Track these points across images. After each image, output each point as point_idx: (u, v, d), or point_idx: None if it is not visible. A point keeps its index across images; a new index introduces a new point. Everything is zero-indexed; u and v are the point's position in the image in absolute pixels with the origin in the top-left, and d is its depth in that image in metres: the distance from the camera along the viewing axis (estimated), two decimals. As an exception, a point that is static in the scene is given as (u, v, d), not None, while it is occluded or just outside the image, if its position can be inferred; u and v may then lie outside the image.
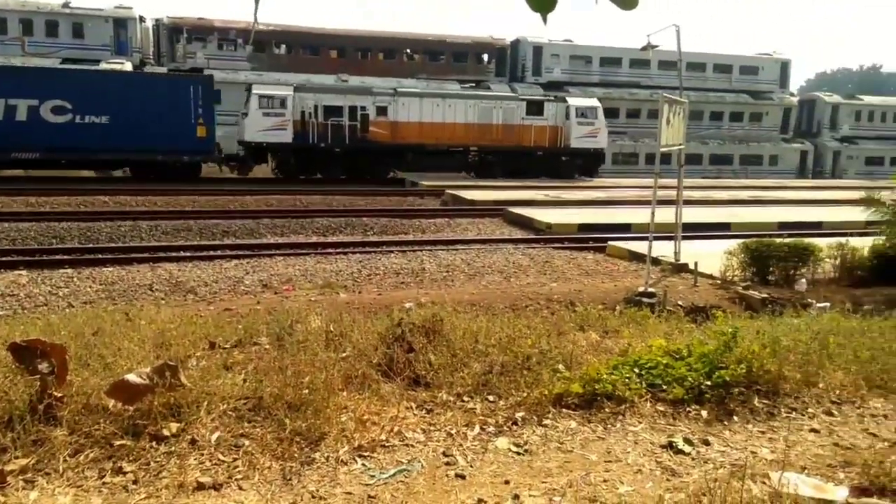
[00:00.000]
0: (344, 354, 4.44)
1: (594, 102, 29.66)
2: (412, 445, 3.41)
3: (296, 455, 3.19)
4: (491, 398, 4.00)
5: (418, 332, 4.70)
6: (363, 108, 26.80)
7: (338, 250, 13.44)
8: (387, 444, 3.37)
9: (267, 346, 4.74)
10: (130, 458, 3.08)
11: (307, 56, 35.14)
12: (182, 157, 24.08)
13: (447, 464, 3.23)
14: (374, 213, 18.46)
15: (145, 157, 23.60)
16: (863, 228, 11.50)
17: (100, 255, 12.30)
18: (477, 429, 3.61)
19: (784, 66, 41.31)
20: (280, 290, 9.99)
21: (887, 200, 10.41)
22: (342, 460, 3.19)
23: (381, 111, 27.08)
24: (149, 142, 23.01)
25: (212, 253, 12.90)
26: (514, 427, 3.68)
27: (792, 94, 43.62)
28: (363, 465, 3.17)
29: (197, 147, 23.95)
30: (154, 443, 3.20)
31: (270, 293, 9.71)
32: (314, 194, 21.81)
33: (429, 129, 27.40)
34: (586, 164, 29.80)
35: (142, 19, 33.57)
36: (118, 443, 3.16)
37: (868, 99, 44.18)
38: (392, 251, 13.41)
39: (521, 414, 3.79)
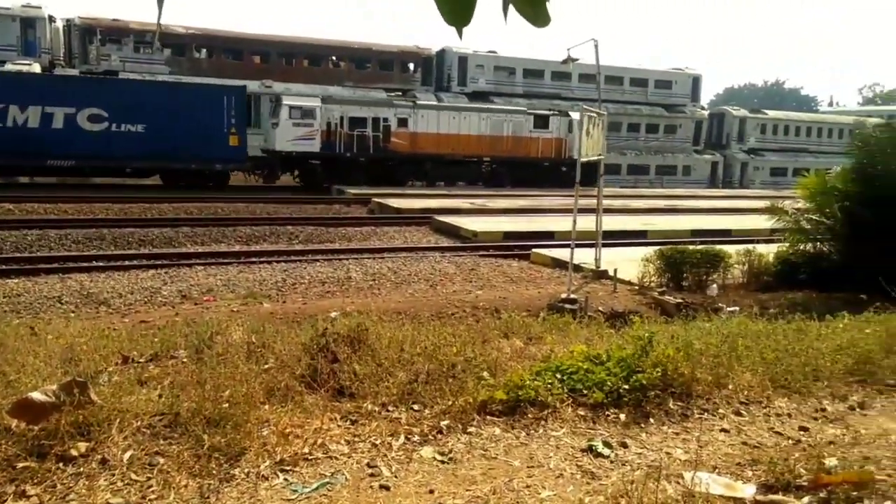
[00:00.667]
0: (266, 366, 4.34)
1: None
2: (336, 458, 3.36)
3: (214, 472, 3.10)
4: (416, 407, 3.99)
5: (343, 342, 4.65)
6: (385, 120, 28.13)
7: (261, 259, 13.17)
8: (310, 458, 3.32)
9: (185, 360, 4.58)
10: (35, 481, 2.91)
11: (229, 60, 34.29)
12: (215, 165, 24.78)
13: (371, 475, 3.21)
14: (300, 221, 18.19)
15: (180, 165, 24.15)
16: (768, 236, 12.17)
17: (4, 266, 11.60)
18: (402, 438, 3.60)
19: (696, 81, 43.29)
20: (200, 300, 9.69)
21: (790, 209, 11.07)
22: (263, 475, 3.11)
23: (402, 123, 28.51)
24: (183, 150, 23.49)
25: (127, 263, 12.41)
26: (440, 435, 3.69)
27: (703, 108, 45.75)
28: (285, 479, 3.11)
29: (229, 155, 24.68)
30: (61, 464, 3.03)
31: (190, 304, 9.40)
32: (236, 202, 21.29)
33: (445, 140, 28.99)
34: (586, 173, 30.78)
35: (52, 19, 31.90)
36: (21, 465, 2.98)
37: (772, 113, 46.80)
38: (318, 260, 13.24)
39: (446, 422, 3.81)
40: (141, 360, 4.62)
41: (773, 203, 11.55)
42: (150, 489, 2.93)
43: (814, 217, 10.79)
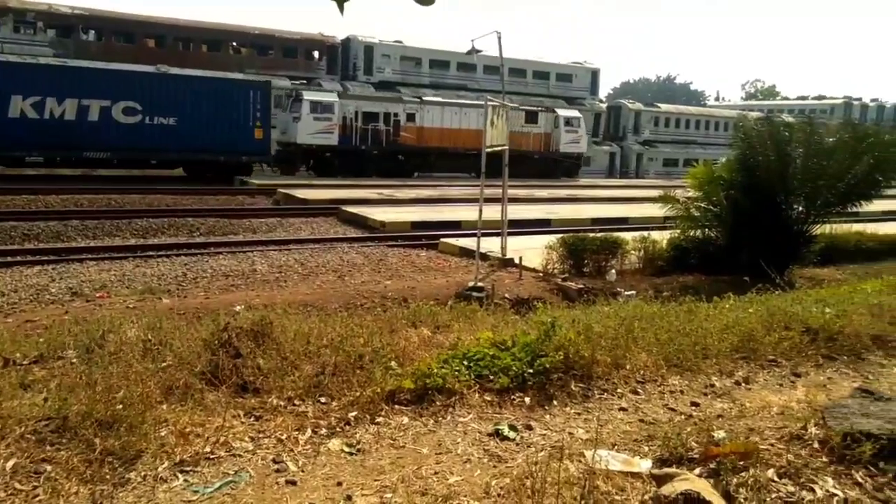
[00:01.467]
0: (164, 364, 4.16)
1: (577, 113, 35.09)
2: (240, 455, 3.27)
3: (108, 477, 2.94)
4: (323, 400, 3.94)
5: (246, 337, 4.52)
6: (395, 115, 29.63)
7: (160, 253, 12.58)
8: (212, 457, 3.21)
9: (74, 360, 4.31)
10: None
11: (120, 44, 32.42)
12: (241, 157, 25.29)
13: (277, 471, 3.15)
14: (201, 213, 17.49)
15: (208, 157, 24.38)
16: (662, 223, 12.78)
17: None
18: (309, 432, 3.55)
19: (594, 75, 44.78)
20: (93, 297, 9.15)
21: (681, 198, 11.67)
22: (161, 478, 2.99)
23: (410, 118, 30.11)
24: (211, 143, 23.89)
25: (10, 259, 11.55)
26: (347, 427, 3.66)
27: (601, 101, 47.44)
28: (185, 480, 2.99)
29: (254, 148, 25.22)
30: (-68, 479, 2.80)
31: (81, 301, 8.86)
32: (131, 193, 20.23)
33: (448, 134, 30.64)
34: (570, 166, 34.55)
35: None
36: None
37: (665, 107, 49.09)
38: (220, 252, 12.80)
39: (353, 413, 3.78)
40: (24, 363, 4.32)
41: (665, 192, 12.14)
42: (37, 499, 2.75)
43: (702, 205, 11.44)
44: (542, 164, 32.71)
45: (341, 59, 37.93)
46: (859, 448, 3.02)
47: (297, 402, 3.91)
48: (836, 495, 2.78)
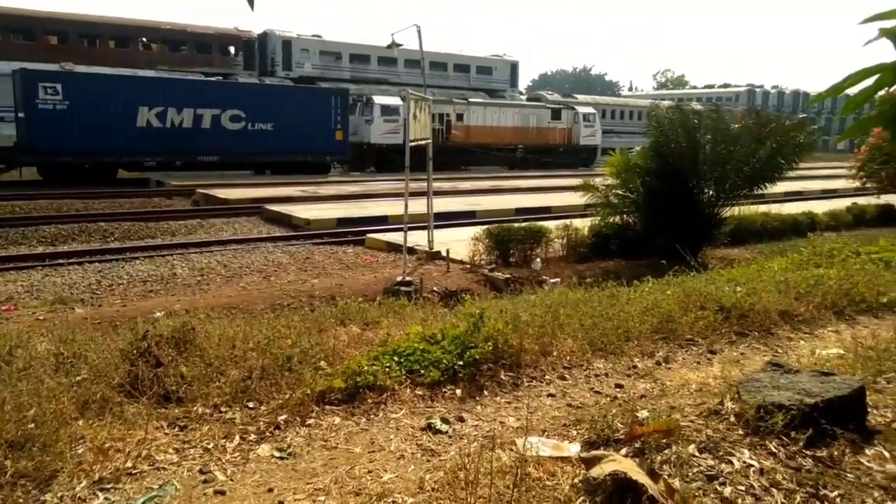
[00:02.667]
0: (78, 378, 3.96)
1: (593, 109, 39.57)
2: (164, 468, 3.16)
3: (21, 501, 2.78)
4: (251, 405, 3.85)
5: (167, 344, 4.36)
6: (447, 115, 33.02)
7: (71, 260, 11.95)
8: (134, 472, 3.09)
9: (-22, 380, 4.05)
10: None
11: (19, 41, 30.55)
12: (326, 157, 28.78)
13: (205, 481, 3.05)
14: (114, 217, 16.73)
15: (299, 157, 27.43)
16: (583, 211, 13.10)
17: None
18: (237, 439, 3.46)
19: (514, 67, 45.37)
20: (-4, 311, 8.62)
21: (600, 186, 12.00)
22: (80, 497, 2.85)
23: (459, 117, 33.82)
24: (301, 145, 27.03)
25: None
26: (277, 431, 3.59)
27: (521, 93, 48.13)
28: (106, 499, 2.86)
29: (336, 149, 28.47)
30: None
31: (-17, 316, 8.33)
32: (37, 198, 19.14)
33: (490, 131, 34.81)
34: (587, 157, 38.74)
35: None
36: None
37: (582, 97, 50.19)
38: (137, 258, 12.28)
39: (283, 417, 3.71)
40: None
41: (585, 181, 12.45)
42: (-59, 531, 2.58)
43: (620, 192, 11.80)
44: (566, 156, 37.47)
45: (259, 54, 37.00)
46: (772, 419, 3.19)
47: (223, 408, 3.80)
48: (752, 466, 2.93)
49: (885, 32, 1.49)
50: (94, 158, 23.63)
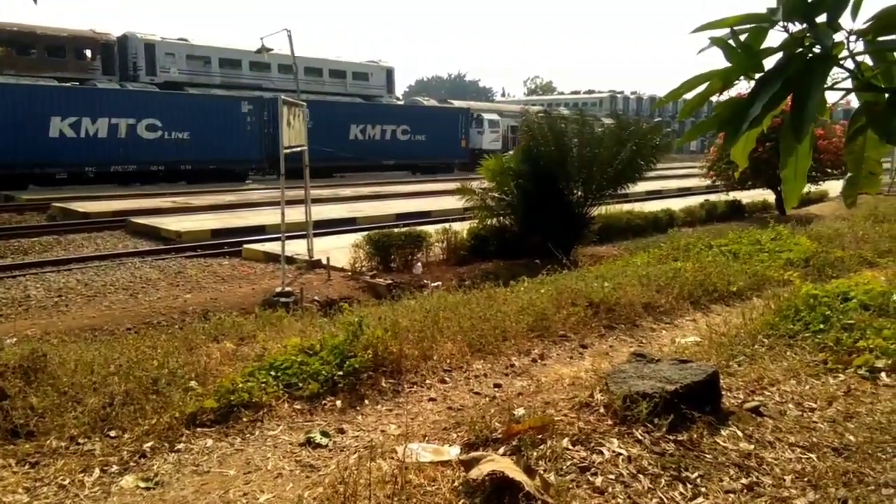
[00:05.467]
0: None
1: (497, 116, 43.22)
2: (12, 511, 2.88)
3: None
4: (113, 434, 3.59)
5: (13, 375, 3.98)
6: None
7: None
8: (-25, 519, 2.79)
9: None
10: None
11: None
12: (454, 160, 37.89)
13: (60, 521, 2.81)
14: (-47, 236, 15.14)
15: (440, 161, 37.37)
16: (462, 214, 13.32)
17: None
18: (97, 472, 3.21)
19: (390, 73, 45.42)
20: None
21: (477, 189, 12.25)
22: None
23: None
24: (443, 152, 37.29)
25: None
26: (143, 460, 3.37)
27: (398, 99, 48.27)
28: (-60, 552, 2.57)
29: (461, 154, 37.73)
30: None
31: None
32: None
33: None
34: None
35: None
36: None
37: (457, 103, 51.14)
38: (-19, 280, 11.16)
39: (149, 444, 3.49)
40: None
41: (463, 184, 12.67)
42: None
43: (496, 195, 12.09)
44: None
45: (119, 58, 34.76)
46: (637, 408, 3.37)
47: (81, 440, 3.52)
48: (621, 454, 3.08)
49: (715, 41, 1.60)
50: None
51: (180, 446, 3.52)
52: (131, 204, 19.85)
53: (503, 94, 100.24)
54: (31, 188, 23.68)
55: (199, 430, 3.70)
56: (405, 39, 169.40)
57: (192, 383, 4.14)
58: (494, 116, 41.36)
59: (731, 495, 2.83)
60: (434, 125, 36.78)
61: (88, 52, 34.32)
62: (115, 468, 3.27)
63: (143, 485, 3.13)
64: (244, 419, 3.84)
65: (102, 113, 24.63)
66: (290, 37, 10.67)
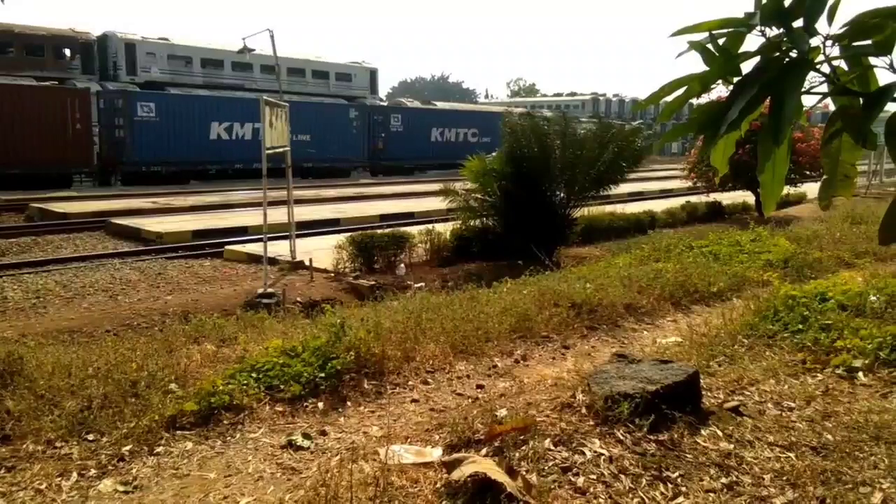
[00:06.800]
0: None
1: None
2: (-13, 516, 2.83)
3: None
4: (91, 437, 3.54)
5: (-11, 378, 3.92)
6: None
7: None
8: (-52, 525, 2.74)
9: None
10: None
11: None
12: None
13: (36, 527, 2.77)
14: (-76, 237, 14.88)
15: None
16: (445, 215, 13.32)
17: None
18: (74, 476, 3.17)
19: (373, 74, 45.34)
20: None
21: (460, 190, 12.26)
22: None
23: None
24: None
25: None
26: (121, 464, 3.33)
27: (381, 100, 48.18)
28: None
29: None
30: None
31: None
32: None
33: None
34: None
35: None
36: None
37: (440, 105, 51.09)
38: (-44, 282, 10.97)
39: (128, 447, 3.45)
40: None
41: (446, 185, 12.67)
42: None
43: (479, 196, 12.10)
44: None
45: (99, 57, 34.36)
46: (619, 408, 3.39)
47: (58, 444, 3.47)
48: (602, 454, 3.09)
49: (693, 45, 1.61)
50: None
51: (160, 450, 3.48)
52: (111, 205, 19.64)
53: (486, 96, 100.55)
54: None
55: (178, 433, 3.67)
56: (389, 40, 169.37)
57: (172, 386, 4.09)
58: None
59: (712, 494, 2.86)
60: (497, 128, 42.28)
61: (68, 52, 33.93)
62: (93, 472, 3.23)
63: (121, 489, 3.09)
64: (225, 422, 3.81)
65: (247, 118, 28.50)
66: (272, 37, 10.61)
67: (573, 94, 77.24)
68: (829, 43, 1.47)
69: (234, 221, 16.78)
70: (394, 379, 4.56)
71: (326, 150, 31.59)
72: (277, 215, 12.25)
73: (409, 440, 3.54)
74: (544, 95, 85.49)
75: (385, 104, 40.78)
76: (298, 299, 9.07)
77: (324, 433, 3.76)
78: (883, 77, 1.52)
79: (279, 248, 11.72)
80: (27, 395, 3.84)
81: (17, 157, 23.31)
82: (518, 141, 11.70)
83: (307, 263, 10.59)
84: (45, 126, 23.87)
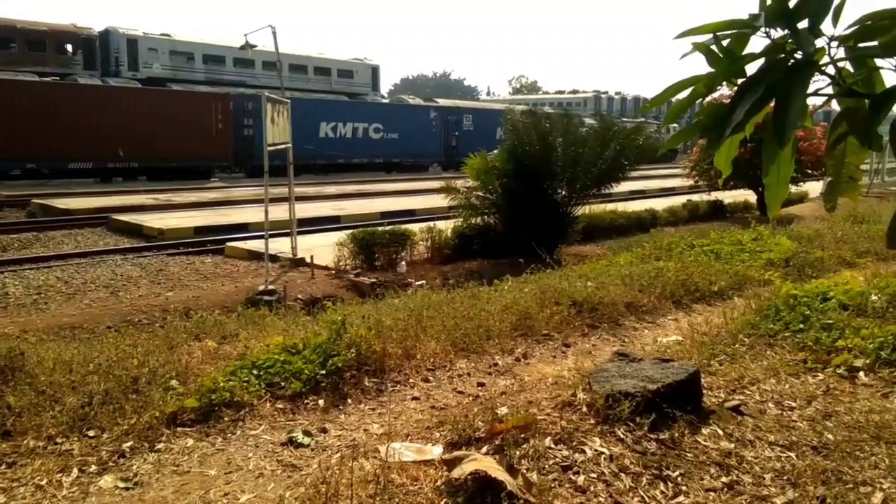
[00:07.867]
0: None
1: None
2: (-12, 512, 2.84)
3: None
4: (92, 433, 3.55)
5: (-10, 374, 3.92)
6: None
7: None
8: (-50, 520, 2.75)
9: None
10: None
11: None
12: None
13: (37, 523, 2.78)
14: (-75, 232, 14.88)
15: None
16: (446, 213, 13.31)
17: None
18: (75, 472, 3.18)
19: (375, 71, 45.29)
20: None
21: (461, 188, 12.25)
22: None
23: None
24: None
25: None
26: (122, 460, 3.33)
27: (383, 97, 48.15)
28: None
29: None
30: None
31: None
32: None
33: None
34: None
35: None
36: None
37: (442, 102, 51.15)
38: (-42, 278, 10.98)
39: (129, 444, 3.45)
40: None
41: (447, 183, 12.66)
42: None
43: (480, 193, 12.09)
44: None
45: (101, 53, 34.34)
46: (619, 407, 3.39)
47: (59, 440, 3.48)
48: (602, 453, 3.10)
49: (697, 47, 1.61)
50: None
51: (160, 446, 3.49)
52: (113, 201, 19.64)
53: (488, 93, 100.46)
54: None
55: (179, 429, 3.67)
56: (391, 38, 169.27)
57: (173, 382, 4.10)
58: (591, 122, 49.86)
59: (712, 494, 2.86)
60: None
61: (69, 47, 33.89)
62: (93, 468, 3.23)
63: (122, 485, 3.10)
64: (226, 419, 3.82)
65: (349, 119, 33.58)
66: (274, 33, 10.59)
67: (575, 91, 77.12)
68: (834, 44, 1.46)
69: (235, 218, 16.78)
70: (395, 376, 4.56)
71: (411, 147, 35.97)
72: (281, 212, 12.25)
73: (409, 438, 3.54)
74: (546, 93, 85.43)
75: (458, 105, 42.90)
76: (299, 296, 9.08)
77: (324, 430, 3.76)
78: (889, 78, 1.51)
79: (280, 245, 11.73)
80: (28, 390, 3.84)
81: (176, 152, 27.20)
82: (520, 138, 11.69)
83: (308, 260, 10.60)
84: (197, 126, 27.57)
